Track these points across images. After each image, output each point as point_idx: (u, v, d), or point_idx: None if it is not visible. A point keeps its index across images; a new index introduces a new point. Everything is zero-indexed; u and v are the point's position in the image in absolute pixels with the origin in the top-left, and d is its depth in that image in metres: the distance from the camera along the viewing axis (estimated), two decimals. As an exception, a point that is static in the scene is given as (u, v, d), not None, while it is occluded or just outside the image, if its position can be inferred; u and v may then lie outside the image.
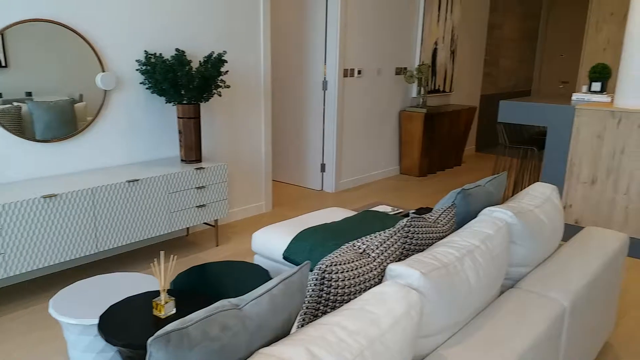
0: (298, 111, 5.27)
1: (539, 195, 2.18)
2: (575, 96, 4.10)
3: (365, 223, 2.70)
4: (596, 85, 3.99)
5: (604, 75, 3.95)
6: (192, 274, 2.26)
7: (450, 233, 1.79)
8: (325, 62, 4.93)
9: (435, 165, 6.13)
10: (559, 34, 8.01)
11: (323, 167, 5.21)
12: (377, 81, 5.46)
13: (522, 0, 7.61)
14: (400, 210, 3.42)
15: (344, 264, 1.34)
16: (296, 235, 2.47)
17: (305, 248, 2.38)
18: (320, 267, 1.29)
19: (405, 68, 5.80)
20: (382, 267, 1.43)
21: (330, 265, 1.30)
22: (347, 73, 5.02)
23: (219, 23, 3.76)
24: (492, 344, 1.40)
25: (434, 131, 5.85)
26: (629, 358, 2.41)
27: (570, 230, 3.83)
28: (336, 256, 1.37)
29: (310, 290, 1.31)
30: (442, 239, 1.71)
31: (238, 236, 3.85)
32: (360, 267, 1.37)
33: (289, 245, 2.44)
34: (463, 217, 2.01)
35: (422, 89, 5.86)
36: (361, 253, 1.47)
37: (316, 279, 1.29)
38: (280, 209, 4.56)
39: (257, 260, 2.70)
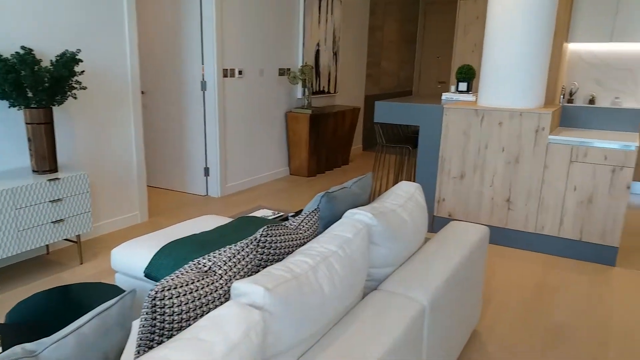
0: (176, 113, 4.99)
1: (403, 194, 2.21)
2: (444, 96, 4.32)
3: (239, 231, 2.58)
4: (463, 85, 4.23)
5: (469, 76, 4.20)
6: (32, 302, 1.98)
7: (313, 239, 1.73)
8: (202, 61, 4.72)
9: (324, 165, 6.17)
10: (435, 37, 8.49)
11: (207, 171, 5.00)
12: (260, 82, 5.35)
13: (400, 5, 7.94)
14: (281, 214, 3.34)
15: (182, 286, 1.21)
16: (159, 250, 2.28)
17: (169, 264, 2.20)
18: (150, 294, 1.14)
19: (289, 69, 5.76)
20: (229, 285, 1.32)
21: (163, 291, 1.15)
22: (227, 73, 4.85)
23: (76, 18, 3.41)
24: (349, 354, 1.35)
25: (320, 132, 5.88)
26: (494, 343, 2.54)
27: (444, 224, 4.02)
28: (173, 278, 1.23)
29: (143, 319, 1.16)
30: (303, 245, 1.64)
31: (107, 251, 3.53)
32: (203, 288, 1.25)
33: (150, 261, 2.24)
34: (329, 221, 1.96)
35: (306, 90, 5.86)
36: (206, 271, 1.34)
37: (147, 307, 1.14)
38: (158, 218, 4.28)
39: (119, 279, 2.46)
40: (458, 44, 5.95)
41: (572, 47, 5.78)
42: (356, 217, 1.83)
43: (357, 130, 7.43)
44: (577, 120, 3.97)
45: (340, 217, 1.96)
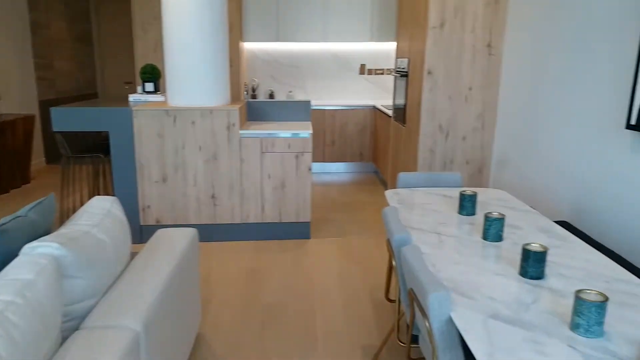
0: None
1: (97, 211, 1.95)
2: (132, 97, 4.07)
3: None
4: (149, 86, 4.07)
5: (154, 76, 4.07)
6: None
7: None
8: None
9: (-4, 189, 5.08)
10: (114, 36, 7.97)
11: None
12: None
13: (66, 1, 7.13)
14: None
15: None
16: None
17: None
18: None
19: None
20: None
21: None
22: None
23: None
24: None
25: (-17, 149, 4.80)
26: (218, 342, 2.54)
27: (153, 232, 3.83)
28: None
29: None
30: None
31: None
32: None
33: None
34: (2, 261, 1.56)
35: (-47, 99, 4.67)
36: None
37: None
38: None
39: None
40: (139, 43, 5.72)
41: (248, 46, 6.28)
42: (38, 252, 1.51)
43: (35, 142, 6.40)
44: (261, 114, 4.32)
45: (16, 256, 1.59)
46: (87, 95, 7.83)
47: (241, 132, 3.73)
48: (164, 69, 5.27)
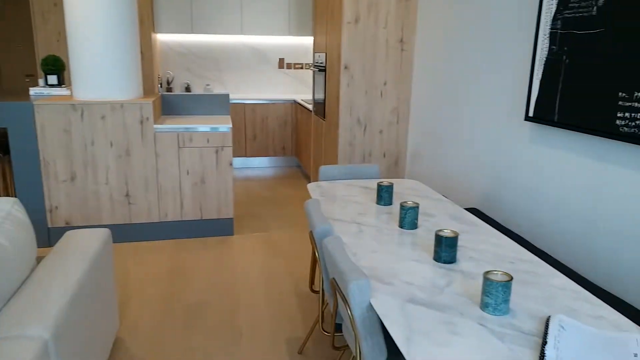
0: None
1: (-5, 214, 1.79)
2: (33, 91, 3.77)
3: None
4: (52, 79, 3.79)
5: (57, 68, 3.79)
6: None
7: None
8: None
9: None
10: (11, 24, 7.32)
11: None
12: None
13: (-48, -19, 6.44)
14: None
15: None
16: None
17: None
18: None
19: None
20: None
21: None
22: None
23: None
24: None
25: None
26: (138, 345, 2.44)
27: (63, 234, 3.59)
28: None
29: None
30: None
31: None
32: None
33: None
34: None
35: None
36: None
37: None
38: None
39: None
40: (39, 33, 5.30)
41: (161, 37, 6.03)
42: None
43: None
44: (178, 108, 4.18)
45: None
46: (-20, 88, 7.14)
47: (156, 126, 3.58)
48: (68, 61, 4.94)
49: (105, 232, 2.25)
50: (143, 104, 3.52)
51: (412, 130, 3.85)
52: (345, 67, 3.70)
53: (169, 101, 4.16)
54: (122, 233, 3.70)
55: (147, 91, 5.55)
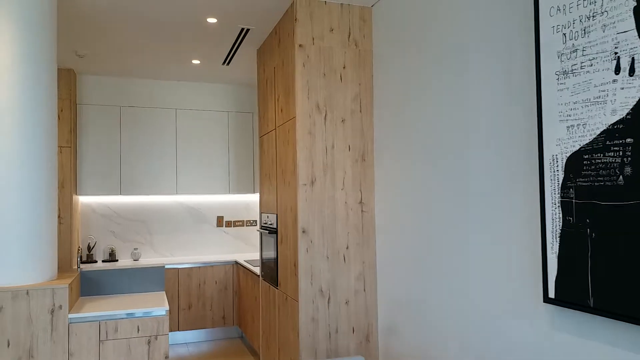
0: None
1: None
2: None
3: None
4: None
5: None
6: None
7: None
8: None
9: None
10: None
11: None
12: None
13: None
14: None
15: None
16: None
17: None
18: None
19: None
20: None
21: None
22: None
23: None
24: None
25: None
26: None
27: None
28: None
29: None
30: None
31: None
32: None
33: None
34: None
35: None
36: None
37: None
38: None
39: None
40: None
41: (84, 200, 5.44)
42: None
43: None
44: (100, 286, 3.47)
45: None
46: None
47: (70, 315, 2.84)
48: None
49: None
50: (56, 288, 2.81)
51: (382, 299, 3.38)
52: (304, 231, 3.29)
53: (90, 279, 3.45)
54: None
55: (63, 265, 4.78)
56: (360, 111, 3.45)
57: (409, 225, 3.03)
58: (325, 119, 3.36)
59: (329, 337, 3.30)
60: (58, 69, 4.95)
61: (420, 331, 2.90)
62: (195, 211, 5.83)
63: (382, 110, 3.36)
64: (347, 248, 3.38)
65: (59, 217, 4.81)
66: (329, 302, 3.31)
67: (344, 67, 3.42)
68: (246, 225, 6.02)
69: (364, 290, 3.40)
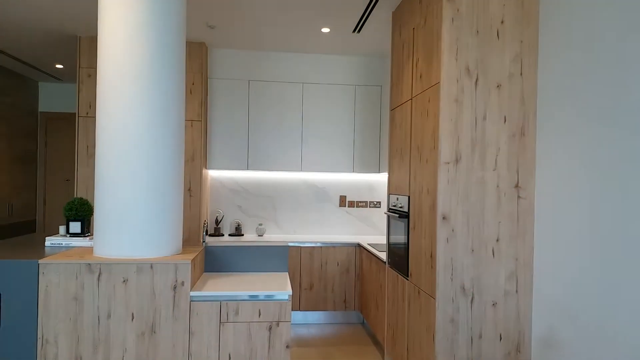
0: None
1: None
2: (50, 241, 3.05)
3: None
4: (75, 226, 3.08)
5: (83, 214, 3.10)
6: None
7: None
8: None
9: None
10: (62, 156, 7.10)
11: None
12: None
13: (10, 118, 6.34)
14: None
15: None
16: None
17: None
18: None
19: None
20: None
21: None
22: None
23: None
24: None
25: None
26: None
27: None
28: None
29: None
30: None
31: None
32: None
33: None
34: None
35: None
36: None
37: None
38: None
39: None
40: (81, 169, 4.83)
41: (213, 173, 5.47)
42: None
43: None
44: (223, 263, 3.33)
45: None
46: (24, 223, 6.71)
47: (192, 293, 2.70)
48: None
49: None
50: (179, 264, 2.68)
51: (538, 305, 2.79)
52: (444, 218, 2.81)
53: (214, 254, 3.33)
54: None
55: (192, 240, 4.82)
56: (521, 74, 2.83)
57: (584, 217, 2.39)
58: (476, 84, 2.81)
59: (470, 343, 2.81)
60: (190, 42, 4.95)
61: (593, 350, 2.29)
62: (318, 189, 5.60)
63: (551, 73, 2.72)
64: (497, 241, 2.83)
65: (189, 189, 4.86)
66: (472, 303, 2.81)
67: (502, 22, 2.82)
68: (369, 207, 5.65)
69: (516, 291, 2.83)
